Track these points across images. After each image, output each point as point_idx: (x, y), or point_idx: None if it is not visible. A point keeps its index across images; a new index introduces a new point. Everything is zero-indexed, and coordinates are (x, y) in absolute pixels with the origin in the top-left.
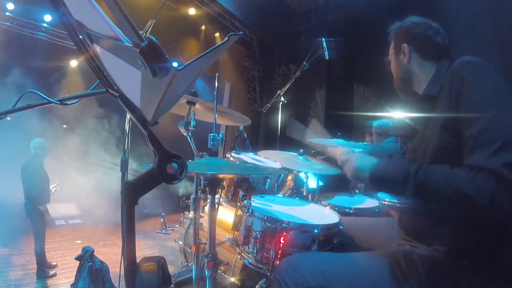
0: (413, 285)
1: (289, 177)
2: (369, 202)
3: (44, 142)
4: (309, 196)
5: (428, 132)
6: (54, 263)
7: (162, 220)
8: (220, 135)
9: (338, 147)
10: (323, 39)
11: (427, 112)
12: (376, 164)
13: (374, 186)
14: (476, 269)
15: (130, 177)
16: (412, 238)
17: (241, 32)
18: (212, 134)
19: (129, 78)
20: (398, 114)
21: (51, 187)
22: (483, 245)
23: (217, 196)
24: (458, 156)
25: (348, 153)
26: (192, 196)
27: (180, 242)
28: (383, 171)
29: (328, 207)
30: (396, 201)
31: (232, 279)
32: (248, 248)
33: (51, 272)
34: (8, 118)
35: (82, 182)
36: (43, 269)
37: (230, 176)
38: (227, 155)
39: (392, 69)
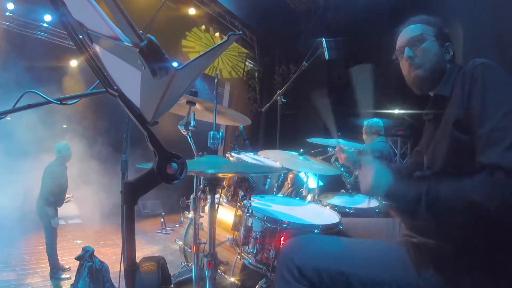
0: (419, 274)
1: (290, 176)
2: (369, 202)
3: (68, 146)
4: (309, 196)
5: (439, 133)
6: (67, 266)
7: (162, 220)
8: (220, 133)
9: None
10: (323, 39)
11: (438, 114)
12: (392, 183)
13: (386, 202)
14: (481, 268)
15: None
16: (417, 234)
17: (241, 32)
18: (212, 132)
19: (129, 78)
20: (399, 113)
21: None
22: (490, 244)
23: (217, 196)
24: (471, 154)
25: (366, 161)
26: (192, 196)
27: (180, 242)
28: (397, 193)
29: (328, 207)
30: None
31: (232, 279)
32: (248, 248)
33: (65, 275)
34: (8, 118)
35: (82, 182)
36: (56, 271)
37: (230, 175)
38: (227, 155)
39: (426, 54)
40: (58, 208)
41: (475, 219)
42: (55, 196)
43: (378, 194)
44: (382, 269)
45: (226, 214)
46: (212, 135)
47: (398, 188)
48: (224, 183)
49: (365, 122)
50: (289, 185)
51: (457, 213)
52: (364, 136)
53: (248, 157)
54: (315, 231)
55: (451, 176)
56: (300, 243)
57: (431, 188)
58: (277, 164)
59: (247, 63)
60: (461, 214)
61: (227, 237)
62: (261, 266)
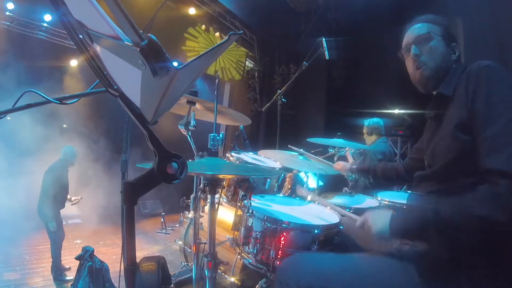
0: (415, 285)
1: (288, 178)
2: (369, 202)
3: (74, 150)
4: (309, 196)
5: (440, 131)
6: (68, 266)
7: (162, 220)
8: (220, 135)
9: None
10: (323, 39)
11: (440, 112)
12: (392, 223)
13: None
14: (477, 270)
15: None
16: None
17: (241, 32)
18: (212, 134)
19: (129, 78)
20: (399, 113)
21: (73, 198)
22: (486, 246)
23: (217, 196)
24: (471, 154)
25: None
26: (192, 196)
27: (180, 242)
28: (401, 227)
29: (328, 207)
30: (396, 201)
31: (232, 279)
32: (248, 248)
33: (69, 277)
34: (8, 118)
35: (82, 182)
36: (61, 273)
37: (230, 176)
38: (227, 154)
39: (432, 53)
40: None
41: (485, 234)
42: (56, 197)
43: (386, 237)
44: (375, 285)
45: (226, 214)
46: (212, 137)
47: (401, 224)
48: (224, 183)
49: (366, 123)
50: (289, 186)
51: (467, 231)
52: (365, 136)
53: (248, 157)
54: (315, 231)
55: (455, 192)
56: (295, 263)
57: (435, 213)
58: (277, 164)
59: (247, 63)
60: (470, 231)
61: (227, 237)
62: (261, 266)
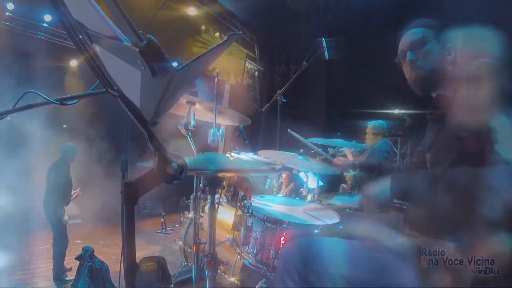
0: (420, 278)
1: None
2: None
3: (73, 147)
4: (309, 196)
5: (443, 133)
6: (69, 266)
7: (162, 220)
8: (220, 131)
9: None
10: (323, 39)
11: (441, 113)
12: (392, 181)
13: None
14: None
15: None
16: (420, 233)
17: (241, 32)
18: (212, 129)
19: (129, 78)
20: (399, 113)
21: (73, 192)
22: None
23: (217, 196)
24: (475, 154)
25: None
26: (192, 196)
27: (180, 242)
28: (403, 183)
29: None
30: (396, 201)
31: (232, 279)
32: (248, 248)
33: (69, 277)
34: (8, 118)
35: (82, 182)
36: (62, 273)
37: (230, 175)
38: (227, 154)
39: (427, 57)
40: (65, 208)
41: (500, 212)
42: (65, 196)
43: (387, 198)
44: (383, 272)
45: (226, 214)
46: (212, 132)
47: (403, 180)
48: (224, 183)
49: (370, 124)
50: (285, 186)
51: (478, 198)
52: (369, 136)
53: (248, 157)
54: (315, 231)
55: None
56: (300, 246)
57: (443, 173)
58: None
59: (247, 63)
60: (482, 199)
61: (227, 237)
62: (261, 266)
